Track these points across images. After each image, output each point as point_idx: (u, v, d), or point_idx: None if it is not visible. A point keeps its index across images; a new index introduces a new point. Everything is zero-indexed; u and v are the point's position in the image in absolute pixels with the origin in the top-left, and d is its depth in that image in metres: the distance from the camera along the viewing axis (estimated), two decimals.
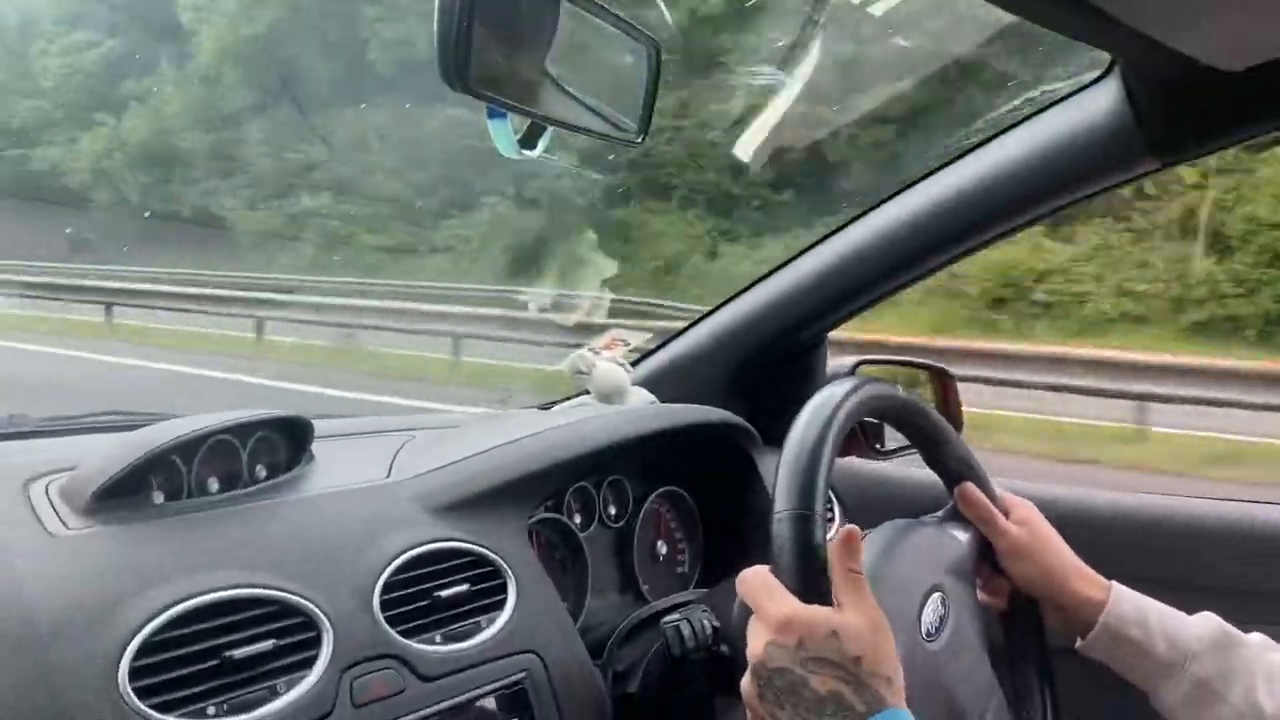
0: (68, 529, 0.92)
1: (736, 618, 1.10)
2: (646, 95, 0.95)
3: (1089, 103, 1.30)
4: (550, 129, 0.84)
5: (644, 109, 0.95)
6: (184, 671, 0.84)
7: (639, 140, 0.95)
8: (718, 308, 1.79)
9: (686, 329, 1.82)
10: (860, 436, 1.75)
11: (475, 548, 1.09)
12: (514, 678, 1.05)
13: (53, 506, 0.95)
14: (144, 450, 0.98)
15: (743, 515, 1.48)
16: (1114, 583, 1.12)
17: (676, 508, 1.51)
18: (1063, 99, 1.33)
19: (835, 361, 1.83)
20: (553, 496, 1.30)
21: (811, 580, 0.88)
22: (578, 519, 1.35)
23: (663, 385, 1.74)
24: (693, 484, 1.51)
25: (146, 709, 0.81)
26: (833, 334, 1.80)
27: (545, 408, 1.77)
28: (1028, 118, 1.37)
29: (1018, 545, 1.13)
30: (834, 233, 1.65)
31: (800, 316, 1.71)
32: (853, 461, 1.77)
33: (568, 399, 1.77)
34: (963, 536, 1.15)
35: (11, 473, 1.00)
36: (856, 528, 0.89)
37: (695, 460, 1.49)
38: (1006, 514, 1.15)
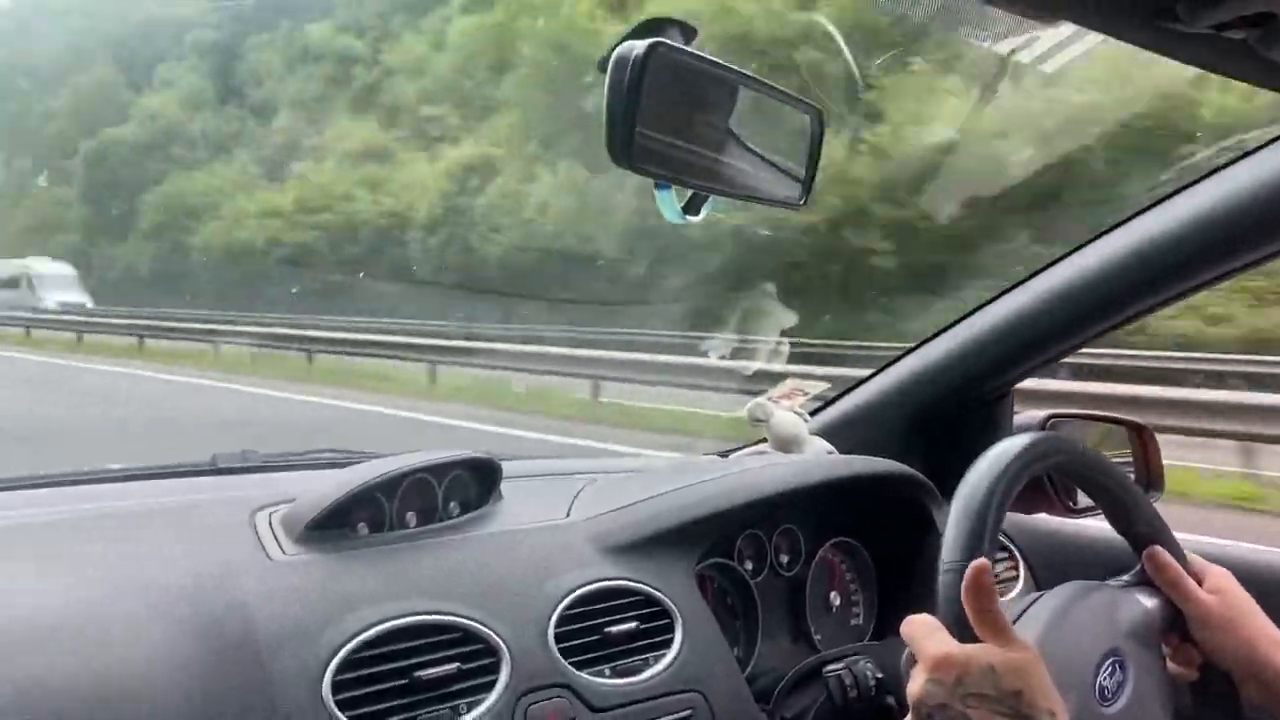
0: (285, 555, 1.04)
1: (904, 666, 1.10)
2: (810, 160, 0.98)
3: None
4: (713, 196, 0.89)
5: (807, 173, 0.99)
6: (379, 687, 0.94)
7: (802, 203, 0.99)
8: (900, 356, 1.78)
9: (868, 378, 1.81)
10: (1052, 493, 1.69)
11: (644, 588, 1.15)
12: (679, 715, 1.09)
13: (274, 534, 1.08)
14: (352, 487, 1.10)
15: (918, 570, 1.47)
16: None
17: (851, 559, 1.51)
18: (1270, 142, 1.26)
19: (1025, 414, 1.78)
20: (723, 542, 1.33)
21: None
22: (749, 566, 1.38)
23: (841, 435, 1.74)
24: (868, 536, 1.51)
25: (345, 718, 0.90)
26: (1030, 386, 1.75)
27: (724, 455, 1.81)
28: (1230, 163, 1.31)
29: (1210, 614, 1.07)
30: (1023, 281, 1.61)
31: (986, 366, 1.67)
32: (1044, 519, 1.72)
33: (747, 446, 1.80)
34: (1150, 602, 1.10)
35: (242, 503, 1.14)
36: (985, 562, 0.88)
37: (871, 512, 1.49)
38: (1199, 580, 1.09)
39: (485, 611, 1.03)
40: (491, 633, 1.01)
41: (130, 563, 1.01)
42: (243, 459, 1.42)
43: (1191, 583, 1.08)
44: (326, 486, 1.11)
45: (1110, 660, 1.04)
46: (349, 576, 1.03)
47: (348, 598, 0.99)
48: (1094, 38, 1.02)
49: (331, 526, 1.09)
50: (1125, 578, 1.13)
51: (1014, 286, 1.61)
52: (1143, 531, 1.12)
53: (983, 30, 0.97)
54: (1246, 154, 1.31)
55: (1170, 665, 1.10)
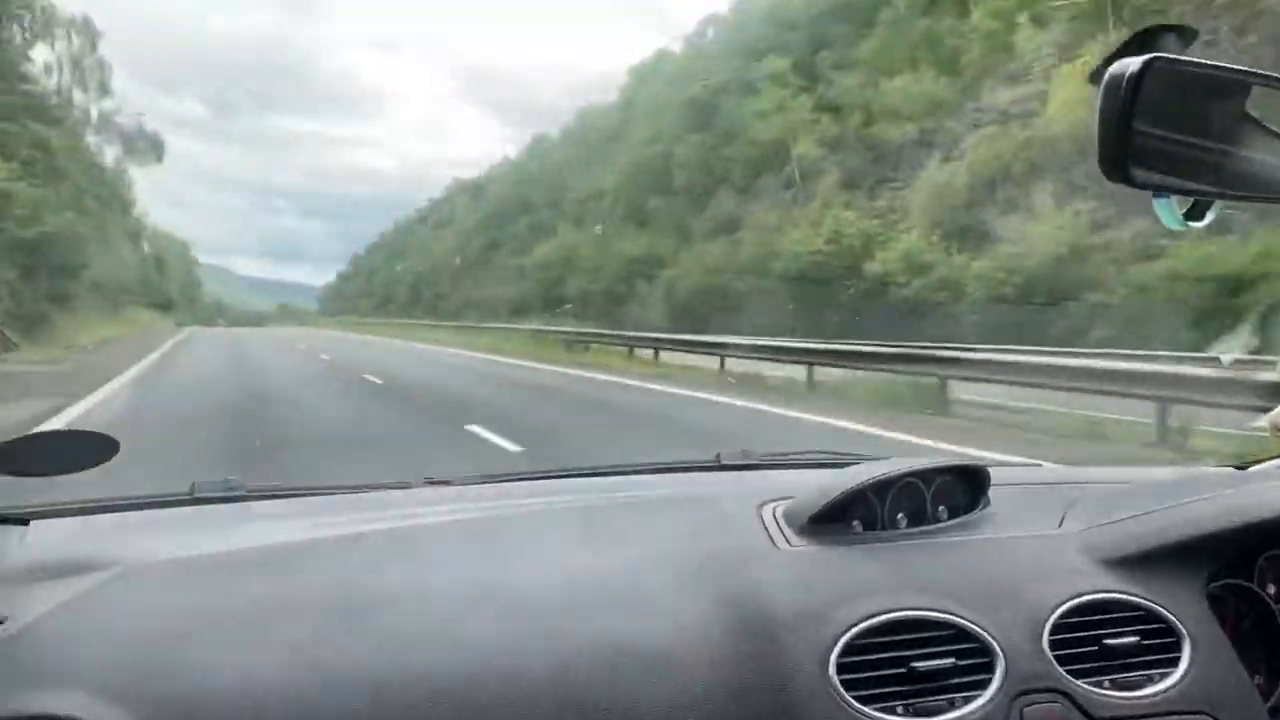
0: (790, 545, 1.17)
1: None
2: None
3: None
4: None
5: None
6: (878, 673, 1.02)
7: None
8: None
9: None
10: None
11: (1146, 603, 1.12)
12: None
13: (779, 525, 1.20)
14: (849, 486, 1.20)
15: None
16: None
17: None
18: None
19: None
20: (1239, 562, 1.24)
21: None
22: (1272, 589, 1.27)
23: None
24: None
25: (850, 698, 1.00)
26: None
27: (1241, 468, 1.65)
28: None
29: None
30: None
31: None
32: None
33: (1269, 460, 1.63)
34: None
35: (749, 497, 1.29)
36: None
37: None
38: None
39: (977, 612, 1.07)
40: (984, 632, 1.05)
41: (657, 542, 1.19)
42: (744, 457, 1.58)
43: None
44: (823, 484, 1.22)
45: None
46: (850, 569, 1.13)
47: (849, 588, 1.09)
48: None
49: (828, 521, 1.19)
50: None
51: None
52: None
53: None
54: None
55: None
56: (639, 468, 1.63)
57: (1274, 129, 0.88)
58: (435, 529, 1.26)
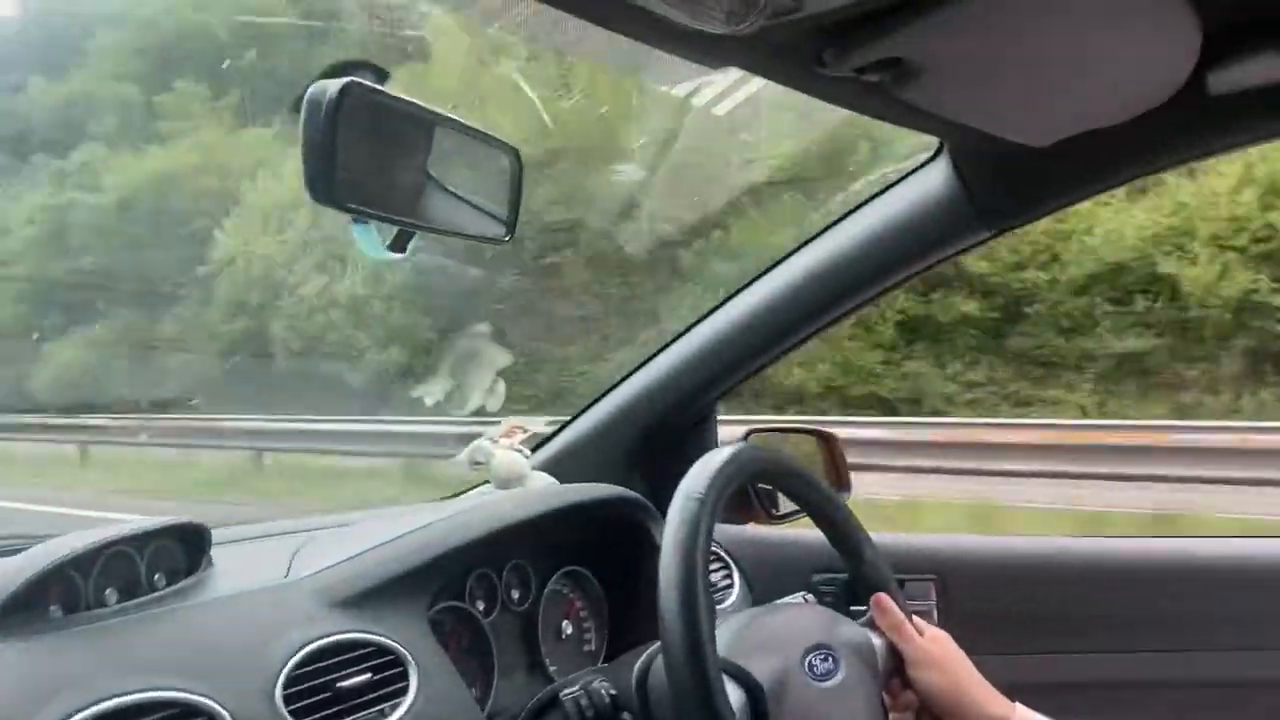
0: None
1: (635, 685, 1.16)
2: (512, 198, 1.02)
3: (925, 181, 1.42)
4: (418, 232, 0.91)
5: (510, 210, 1.02)
6: None
7: (507, 239, 1.02)
8: (612, 388, 1.86)
9: (583, 410, 1.87)
10: (756, 502, 1.82)
11: (374, 638, 1.12)
12: None
13: None
14: (38, 567, 1.00)
15: (644, 588, 1.53)
16: (1017, 704, 1.19)
17: (581, 587, 1.54)
18: (904, 178, 1.46)
19: (729, 431, 1.91)
20: (454, 584, 1.33)
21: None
22: (481, 605, 1.38)
23: (563, 468, 1.78)
24: (596, 562, 1.55)
25: None
26: None
27: (448, 499, 1.80)
28: (876, 195, 1.49)
29: (928, 656, 1.21)
30: (714, 310, 1.75)
31: (689, 390, 1.78)
32: (751, 528, 1.84)
33: (469, 490, 1.81)
34: (877, 641, 1.22)
35: None
36: None
37: (595, 538, 1.54)
38: (920, 631, 1.23)
39: (205, 683, 0.97)
40: (215, 704, 0.96)
41: None
42: None
43: (912, 629, 1.22)
44: (10, 569, 1.00)
45: (823, 650, 1.14)
46: (44, 662, 0.93)
47: (45, 686, 0.90)
48: (759, 82, 1.14)
49: (20, 611, 0.98)
50: (859, 621, 1.25)
51: (704, 317, 1.74)
52: (869, 575, 1.25)
53: (660, 75, 1.05)
54: (889, 187, 1.50)
55: (891, 713, 1.21)
56: None
57: (449, 182, 0.97)
58: None
